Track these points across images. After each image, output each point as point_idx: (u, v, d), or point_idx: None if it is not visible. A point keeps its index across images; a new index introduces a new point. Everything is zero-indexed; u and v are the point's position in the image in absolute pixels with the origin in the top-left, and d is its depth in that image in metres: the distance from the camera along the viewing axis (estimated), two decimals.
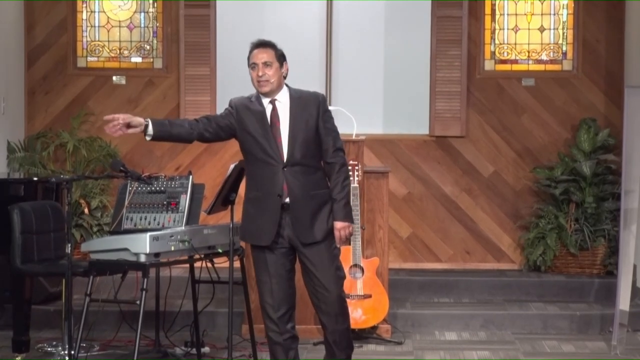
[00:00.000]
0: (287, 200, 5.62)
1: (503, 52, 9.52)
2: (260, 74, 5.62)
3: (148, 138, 5.61)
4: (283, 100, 5.70)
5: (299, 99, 5.70)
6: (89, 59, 9.59)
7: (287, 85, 5.75)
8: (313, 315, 7.47)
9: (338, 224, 5.65)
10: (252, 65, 5.67)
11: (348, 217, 5.68)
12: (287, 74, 5.74)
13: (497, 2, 9.49)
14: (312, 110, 5.66)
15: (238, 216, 5.90)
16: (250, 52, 5.70)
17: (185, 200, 6.51)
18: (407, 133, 9.49)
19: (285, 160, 5.61)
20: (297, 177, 5.61)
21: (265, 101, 5.69)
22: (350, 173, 7.27)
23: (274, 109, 5.68)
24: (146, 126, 5.57)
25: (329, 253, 5.67)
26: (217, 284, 6.59)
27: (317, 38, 9.46)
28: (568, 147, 9.23)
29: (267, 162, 5.63)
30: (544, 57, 9.50)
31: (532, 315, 8.08)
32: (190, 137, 5.72)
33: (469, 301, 8.54)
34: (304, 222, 5.62)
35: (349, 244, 7.33)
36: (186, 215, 6.47)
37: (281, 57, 5.69)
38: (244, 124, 5.67)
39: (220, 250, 6.37)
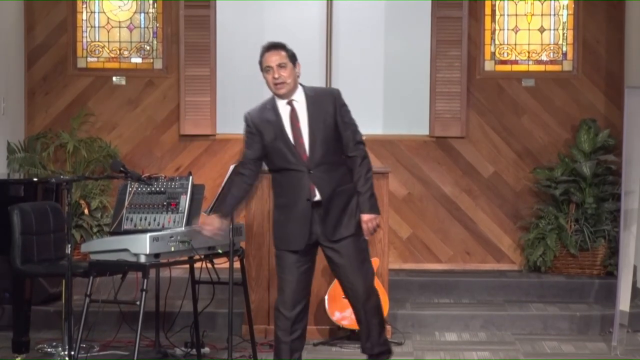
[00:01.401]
0: (318, 198, 5.64)
1: (503, 53, 9.52)
2: (276, 76, 5.65)
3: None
4: (300, 100, 5.73)
5: (314, 97, 5.72)
6: (89, 59, 9.58)
7: (301, 84, 5.77)
8: (313, 316, 7.48)
9: (365, 217, 5.68)
10: (266, 69, 5.68)
11: (374, 209, 5.71)
12: (300, 74, 5.76)
13: (497, 3, 9.48)
14: (329, 107, 5.69)
15: (238, 216, 5.91)
16: (262, 55, 5.71)
17: (185, 201, 6.50)
18: (407, 134, 9.49)
19: (308, 162, 5.64)
20: (322, 177, 5.65)
21: (282, 103, 5.71)
22: None
23: (293, 110, 5.70)
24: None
25: (356, 247, 5.69)
26: (217, 285, 6.59)
27: (317, 38, 9.46)
28: (568, 147, 9.23)
29: (291, 168, 5.67)
30: (544, 57, 9.50)
31: (532, 315, 8.08)
32: (251, 190, 5.86)
33: (469, 302, 8.54)
34: (333, 219, 5.66)
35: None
36: (186, 215, 6.47)
37: (293, 57, 5.72)
38: (264, 136, 5.71)
39: (220, 251, 6.38)
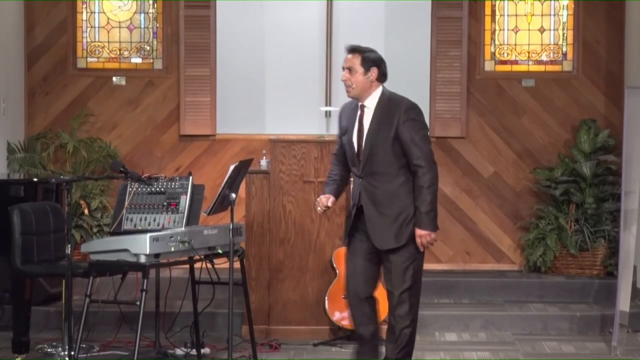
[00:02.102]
0: (361, 205, 5.69)
1: (503, 53, 9.52)
2: (343, 79, 5.73)
3: None
4: (370, 107, 5.74)
5: (384, 106, 5.71)
6: (89, 59, 9.59)
7: (384, 89, 5.76)
8: (313, 315, 7.47)
9: (419, 231, 5.67)
10: (343, 69, 5.78)
11: (430, 225, 5.67)
12: (378, 78, 5.73)
13: (497, 3, 9.49)
14: (393, 118, 5.66)
15: (238, 217, 5.89)
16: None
17: (185, 201, 6.50)
18: None
19: (362, 168, 5.68)
20: (371, 185, 5.67)
21: (359, 106, 5.78)
22: None
23: (362, 115, 5.73)
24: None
25: (405, 257, 5.69)
26: (217, 285, 6.59)
27: (317, 38, 9.46)
28: (568, 147, 9.23)
29: (352, 170, 5.77)
30: (544, 57, 9.50)
31: (532, 316, 8.08)
32: (342, 181, 5.94)
33: (469, 302, 8.54)
34: (383, 229, 5.67)
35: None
36: (186, 216, 6.46)
37: (368, 63, 5.71)
38: (342, 131, 5.83)
39: (220, 251, 6.37)
